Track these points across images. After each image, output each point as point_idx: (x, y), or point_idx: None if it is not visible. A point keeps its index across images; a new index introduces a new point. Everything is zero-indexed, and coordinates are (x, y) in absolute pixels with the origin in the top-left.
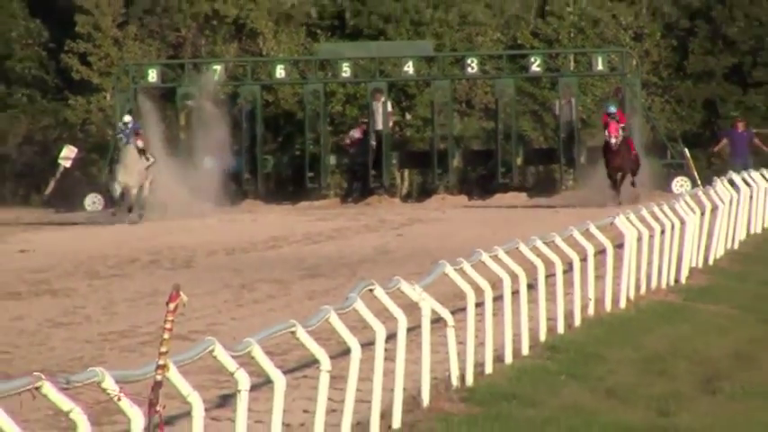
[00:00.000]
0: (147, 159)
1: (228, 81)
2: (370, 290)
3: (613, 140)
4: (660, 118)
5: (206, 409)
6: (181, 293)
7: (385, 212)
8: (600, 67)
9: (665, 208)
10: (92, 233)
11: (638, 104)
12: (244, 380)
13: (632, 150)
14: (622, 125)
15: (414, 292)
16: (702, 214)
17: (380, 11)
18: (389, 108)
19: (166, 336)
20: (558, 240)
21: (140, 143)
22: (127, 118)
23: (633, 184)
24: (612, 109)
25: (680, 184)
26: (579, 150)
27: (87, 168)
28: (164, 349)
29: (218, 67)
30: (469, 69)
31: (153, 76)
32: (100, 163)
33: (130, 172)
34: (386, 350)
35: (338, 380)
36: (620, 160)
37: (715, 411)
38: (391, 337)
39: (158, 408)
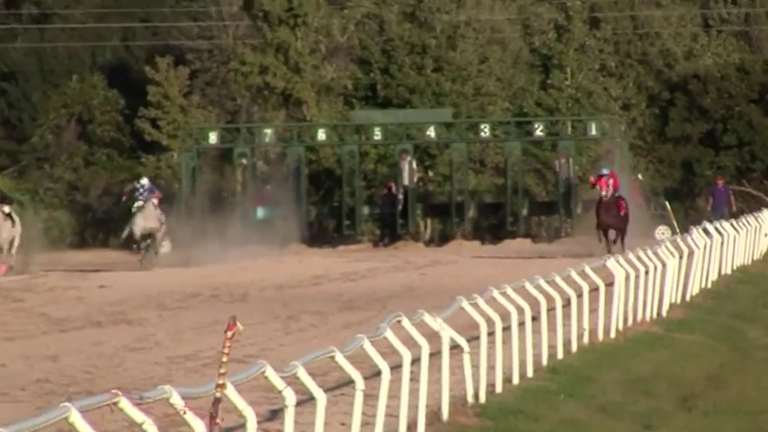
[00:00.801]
0: (161, 213)
1: (277, 143)
2: (398, 321)
3: (603, 192)
4: (644, 175)
5: (258, 422)
6: (237, 323)
7: (410, 255)
8: (593, 132)
9: (649, 252)
10: (161, 272)
11: (626, 164)
12: (290, 397)
13: (621, 210)
14: (616, 188)
15: (435, 322)
16: (681, 258)
17: (407, 83)
18: (414, 166)
19: (225, 359)
20: (558, 279)
21: (155, 200)
22: (144, 180)
23: (617, 242)
24: (605, 171)
25: (661, 232)
26: (576, 203)
27: None
28: (222, 370)
29: (268, 131)
30: (482, 134)
31: (213, 138)
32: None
33: (148, 218)
34: (411, 372)
35: (370, 397)
36: (605, 215)
37: (691, 426)
38: (416, 361)
39: (218, 420)
